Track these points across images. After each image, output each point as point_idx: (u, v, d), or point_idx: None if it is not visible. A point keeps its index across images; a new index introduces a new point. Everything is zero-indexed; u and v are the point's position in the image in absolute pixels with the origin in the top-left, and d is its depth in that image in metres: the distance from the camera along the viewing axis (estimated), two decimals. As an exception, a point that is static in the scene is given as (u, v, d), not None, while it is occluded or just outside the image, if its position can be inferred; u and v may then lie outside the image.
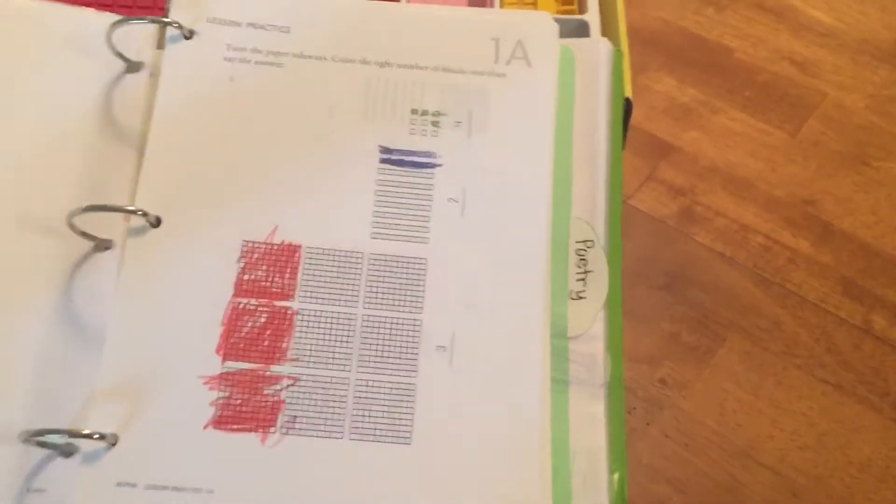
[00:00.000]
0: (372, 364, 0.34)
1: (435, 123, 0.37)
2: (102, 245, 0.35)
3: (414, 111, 0.37)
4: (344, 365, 0.34)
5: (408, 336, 0.34)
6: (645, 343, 0.47)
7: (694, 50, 0.63)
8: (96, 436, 0.31)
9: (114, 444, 0.32)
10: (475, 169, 0.36)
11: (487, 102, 0.37)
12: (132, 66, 0.37)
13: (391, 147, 0.37)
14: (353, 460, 0.32)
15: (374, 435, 0.33)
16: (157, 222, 0.35)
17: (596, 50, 0.39)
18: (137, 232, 0.34)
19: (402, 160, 0.36)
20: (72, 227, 0.33)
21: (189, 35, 0.37)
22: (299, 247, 0.35)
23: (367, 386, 0.33)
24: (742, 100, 0.59)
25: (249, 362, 0.33)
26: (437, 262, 0.35)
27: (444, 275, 0.35)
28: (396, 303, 0.34)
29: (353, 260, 0.35)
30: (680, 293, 0.49)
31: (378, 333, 0.34)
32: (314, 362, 0.34)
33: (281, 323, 0.34)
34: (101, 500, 0.31)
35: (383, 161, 0.36)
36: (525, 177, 0.36)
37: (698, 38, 0.64)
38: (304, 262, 0.35)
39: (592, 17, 0.43)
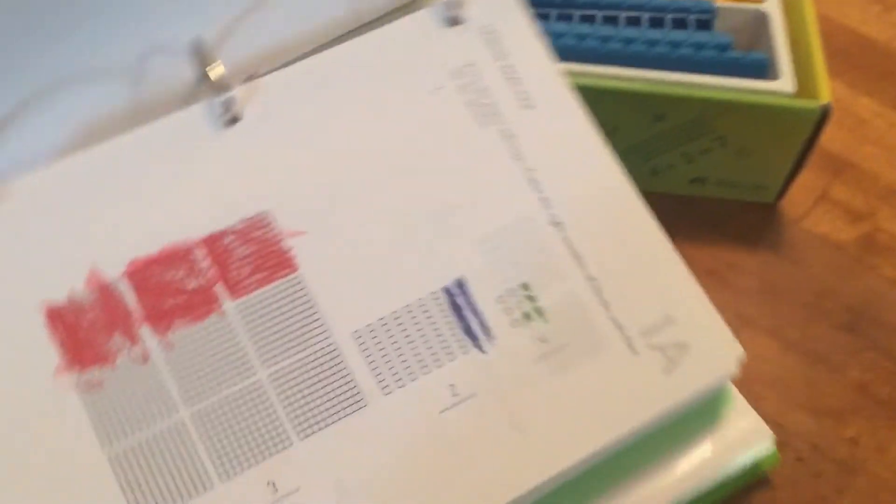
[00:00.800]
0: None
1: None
2: None
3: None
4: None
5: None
6: (830, 394, 0.40)
7: (862, 53, 0.55)
8: None
9: None
10: None
11: None
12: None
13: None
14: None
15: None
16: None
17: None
18: None
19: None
20: None
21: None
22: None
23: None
24: (923, 113, 0.51)
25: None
26: None
27: None
28: None
29: None
30: (867, 336, 0.42)
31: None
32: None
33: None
34: None
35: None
36: None
37: (866, 39, 0.56)
38: None
39: (772, 6, 0.36)
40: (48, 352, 0.30)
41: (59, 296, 0.31)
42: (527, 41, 0.36)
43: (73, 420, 0.30)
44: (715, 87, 0.39)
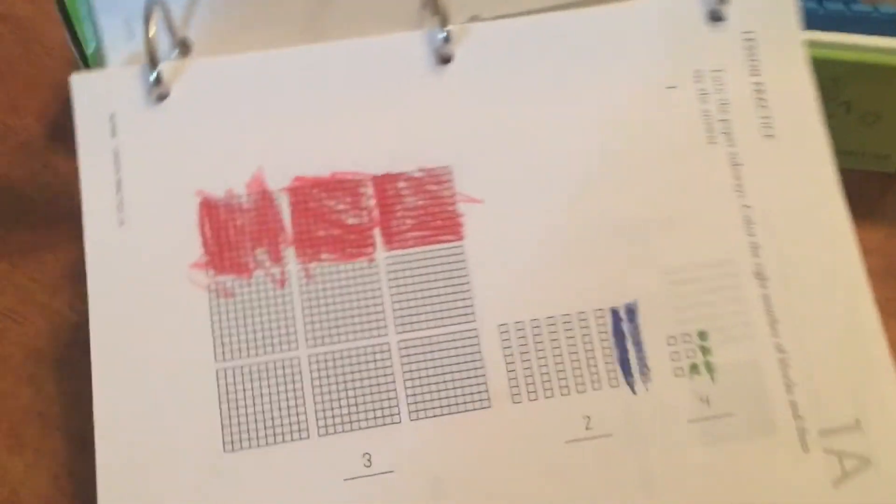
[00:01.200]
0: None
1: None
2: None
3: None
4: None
5: None
6: None
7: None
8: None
9: None
10: None
11: None
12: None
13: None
14: None
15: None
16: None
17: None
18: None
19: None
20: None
21: None
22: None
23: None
24: None
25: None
26: None
27: None
28: None
29: None
30: None
31: None
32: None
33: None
34: None
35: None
36: None
37: None
38: None
39: None
40: (192, 242, 0.29)
41: (217, 190, 0.29)
42: (790, 59, 0.31)
43: (195, 319, 0.28)
44: (841, 46, 0.34)
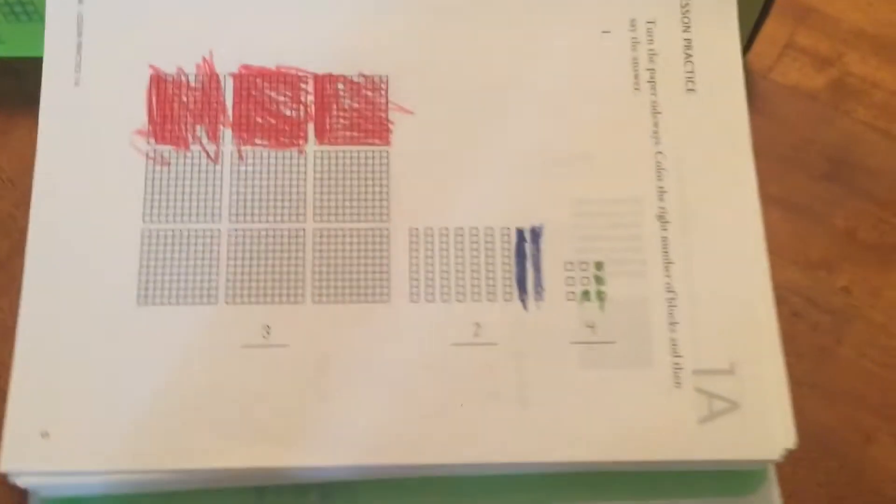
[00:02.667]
0: None
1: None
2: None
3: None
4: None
5: None
6: (817, 245, 0.38)
7: None
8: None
9: None
10: None
11: None
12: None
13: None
14: None
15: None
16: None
17: None
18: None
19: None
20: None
21: None
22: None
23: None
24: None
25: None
26: None
27: None
28: None
29: None
30: (848, 182, 0.39)
31: None
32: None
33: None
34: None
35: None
36: None
37: None
38: None
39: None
40: (138, 111, 0.31)
41: (169, 66, 0.31)
42: (721, 19, 0.32)
43: (130, 181, 0.31)
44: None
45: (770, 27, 0.40)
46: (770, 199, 0.32)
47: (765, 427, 0.30)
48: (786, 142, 0.40)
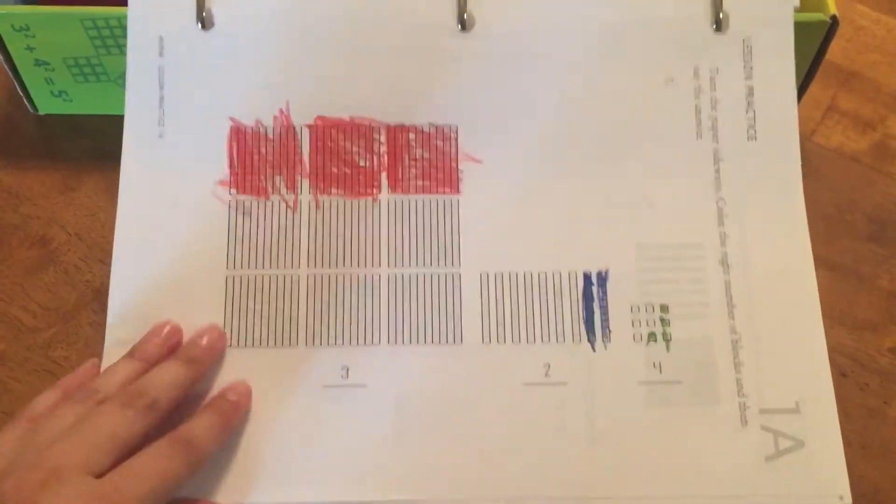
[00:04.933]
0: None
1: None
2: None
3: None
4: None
5: None
6: (863, 306, 0.39)
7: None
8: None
9: None
10: None
11: None
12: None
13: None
14: None
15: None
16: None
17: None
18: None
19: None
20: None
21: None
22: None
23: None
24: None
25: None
26: None
27: None
28: None
29: None
30: (892, 243, 0.41)
31: None
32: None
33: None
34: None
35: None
36: None
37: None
38: None
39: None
40: (220, 162, 0.32)
41: (248, 119, 0.33)
42: (781, 68, 0.34)
43: (214, 230, 0.32)
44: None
45: (813, 90, 0.41)
46: (815, 259, 0.33)
47: (830, 466, 0.30)
48: (830, 203, 0.41)
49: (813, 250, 0.33)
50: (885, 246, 0.40)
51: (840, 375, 0.37)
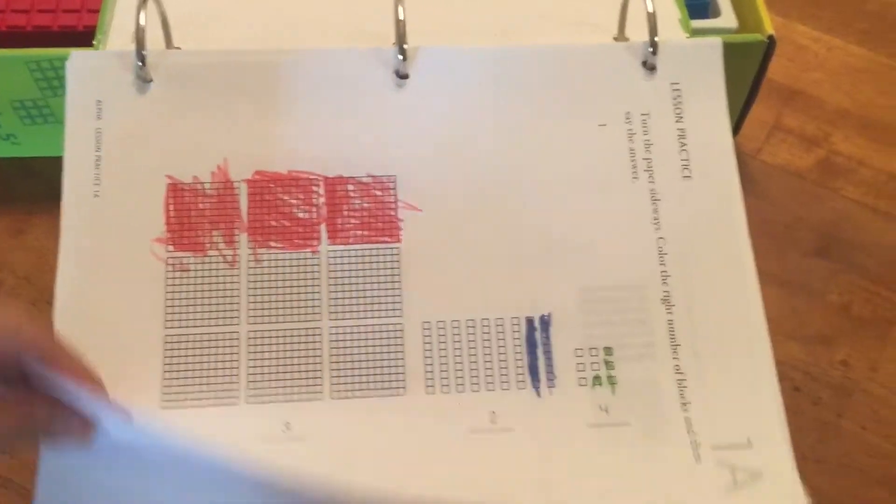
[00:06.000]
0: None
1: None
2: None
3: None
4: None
5: None
6: (813, 320, 0.40)
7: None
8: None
9: None
10: None
11: None
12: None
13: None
14: None
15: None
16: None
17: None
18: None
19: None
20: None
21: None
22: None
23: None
24: (857, 33, 0.49)
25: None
26: None
27: None
28: None
29: None
30: (840, 258, 0.41)
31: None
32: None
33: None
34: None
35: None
36: None
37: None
38: None
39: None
40: (157, 219, 0.32)
41: (185, 176, 0.33)
42: (711, 109, 0.34)
43: (151, 287, 0.32)
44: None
45: (757, 110, 0.43)
46: (765, 276, 0.33)
47: (789, 496, 0.30)
48: (777, 220, 0.42)
49: (763, 267, 0.33)
50: (833, 261, 0.41)
51: (793, 390, 0.37)
